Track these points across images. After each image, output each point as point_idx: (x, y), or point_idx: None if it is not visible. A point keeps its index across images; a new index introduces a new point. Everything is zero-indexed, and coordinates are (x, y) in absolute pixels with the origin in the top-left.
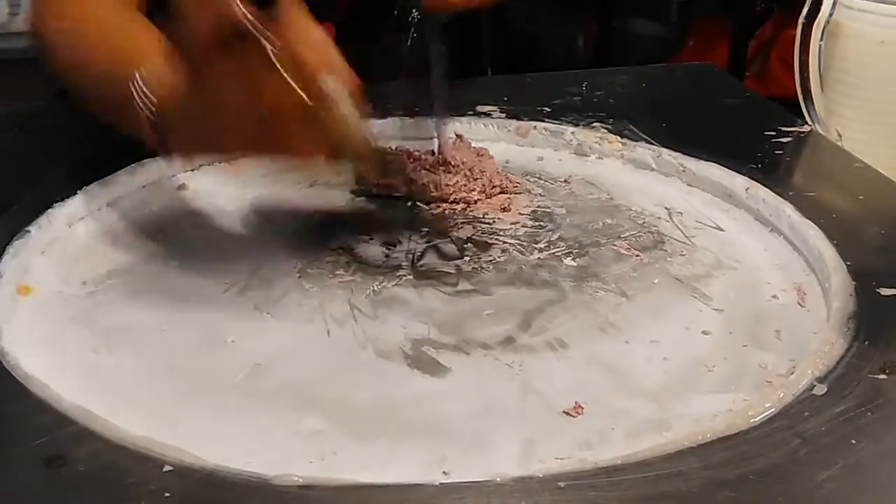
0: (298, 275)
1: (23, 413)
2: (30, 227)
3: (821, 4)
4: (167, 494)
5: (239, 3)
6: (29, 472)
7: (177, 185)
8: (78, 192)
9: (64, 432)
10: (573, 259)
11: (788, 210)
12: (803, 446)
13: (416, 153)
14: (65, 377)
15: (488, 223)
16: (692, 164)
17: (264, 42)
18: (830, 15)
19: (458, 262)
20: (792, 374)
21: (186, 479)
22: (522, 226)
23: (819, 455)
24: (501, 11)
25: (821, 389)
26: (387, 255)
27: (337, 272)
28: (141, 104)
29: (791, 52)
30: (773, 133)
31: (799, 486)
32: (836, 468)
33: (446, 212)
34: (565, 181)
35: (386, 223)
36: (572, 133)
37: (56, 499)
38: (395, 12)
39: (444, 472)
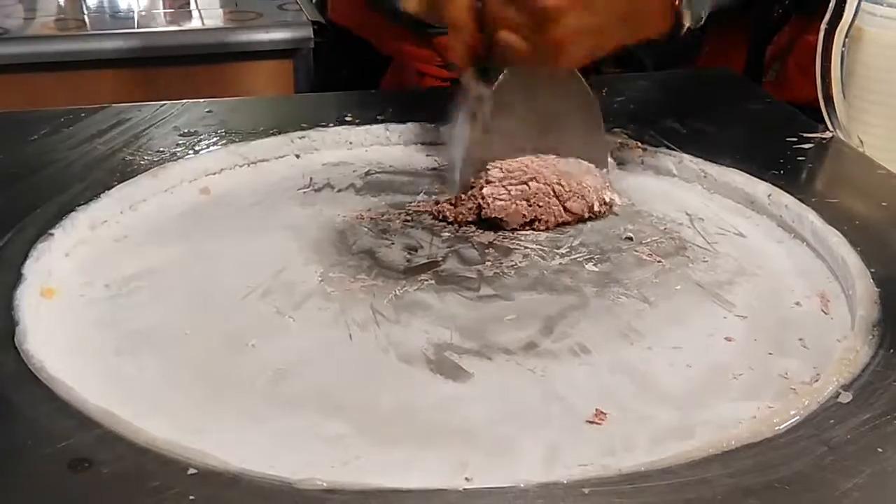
0: (320, 279)
1: (47, 415)
2: (53, 230)
3: (843, 10)
4: (191, 497)
5: None
6: (54, 474)
7: (199, 188)
8: (101, 195)
9: (89, 435)
10: (595, 265)
11: (811, 217)
12: (829, 454)
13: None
14: (89, 380)
15: (510, 229)
16: (713, 169)
17: None
18: (853, 21)
19: (480, 266)
20: (816, 381)
21: (211, 483)
22: (544, 231)
23: (845, 463)
24: None
25: (846, 397)
26: (408, 260)
27: (359, 276)
28: None
29: (809, 58)
30: (795, 139)
31: (825, 494)
32: (862, 476)
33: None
34: None
35: (407, 227)
36: None
37: (80, 501)
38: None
39: (467, 478)
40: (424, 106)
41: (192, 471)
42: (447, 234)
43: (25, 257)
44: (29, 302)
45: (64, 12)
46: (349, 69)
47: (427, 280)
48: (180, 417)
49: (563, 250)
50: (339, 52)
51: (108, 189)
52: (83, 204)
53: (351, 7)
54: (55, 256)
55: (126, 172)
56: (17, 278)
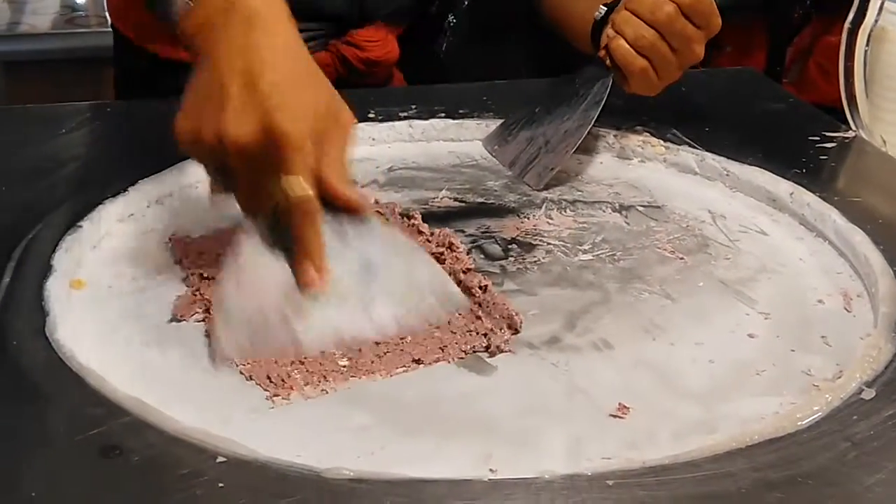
0: None
1: (78, 404)
2: (81, 223)
3: (866, 10)
4: (221, 485)
5: None
6: (85, 461)
7: None
8: (128, 189)
9: (119, 423)
10: (617, 261)
11: (834, 215)
12: (852, 449)
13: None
14: (118, 369)
15: (532, 224)
16: (736, 168)
17: None
18: (876, 21)
19: (503, 262)
20: (839, 378)
21: (240, 471)
22: (567, 228)
23: (868, 458)
24: (535, 14)
25: (869, 394)
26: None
27: None
28: None
29: (830, 58)
30: (818, 138)
31: (848, 489)
32: (885, 472)
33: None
34: (608, 184)
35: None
36: (615, 136)
37: (112, 488)
38: None
39: (491, 469)
40: (447, 103)
41: (220, 459)
42: (471, 229)
43: (54, 249)
44: (58, 293)
45: (86, 9)
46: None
47: None
48: (208, 407)
49: (585, 246)
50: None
51: (135, 183)
52: (111, 197)
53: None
54: (84, 249)
55: (152, 167)
56: (46, 270)
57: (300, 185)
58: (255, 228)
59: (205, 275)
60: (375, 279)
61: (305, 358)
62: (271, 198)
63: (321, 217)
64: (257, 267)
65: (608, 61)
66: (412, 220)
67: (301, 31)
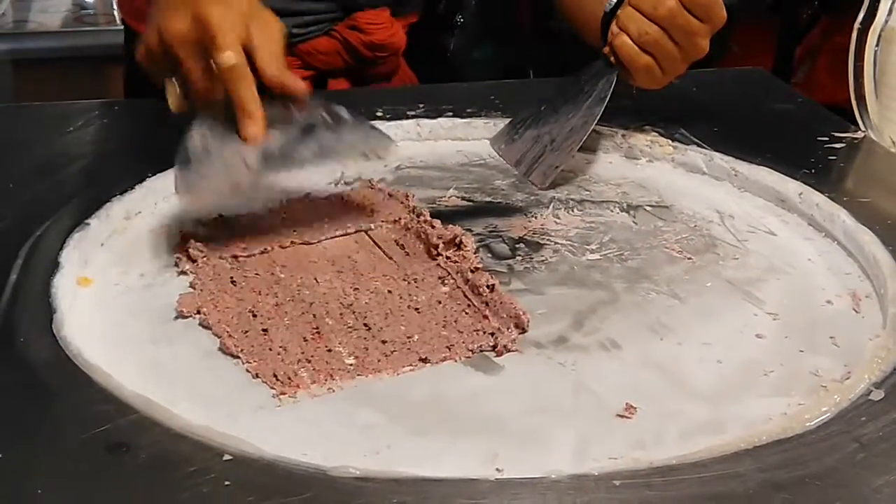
0: None
1: (86, 401)
2: (89, 220)
3: (877, 10)
4: (227, 483)
5: None
6: (92, 458)
7: None
8: (135, 186)
9: (126, 420)
10: (625, 261)
11: (843, 215)
12: (861, 451)
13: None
14: (125, 366)
15: (540, 224)
16: (744, 168)
17: None
18: (886, 21)
19: (511, 261)
20: (847, 379)
21: (246, 469)
22: (574, 227)
23: (877, 460)
24: (544, 16)
25: (878, 395)
26: None
27: None
28: None
29: (838, 59)
30: (826, 139)
31: (856, 491)
32: (894, 473)
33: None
34: (616, 184)
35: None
36: (623, 136)
37: (119, 485)
38: None
39: (498, 469)
40: (455, 102)
41: (227, 457)
42: (478, 228)
43: (62, 246)
44: (65, 290)
45: (94, 7)
46: None
47: None
48: (215, 404)
49: (593, 246)
50: None
51: (143, 180)
52: (118, 195)
53: None
54: (91, 246)
55: (160, 164)
56: (54, 267)
57: (229, 56)
58: (209, 120)
59: (209, 272)
60: (307, 145)
61: (312, 356)
62: (215, 84)
63: (252, 80)
64: (213, 138)
65: (612, 58)
66: (421, 217)
67: (304, 14)
